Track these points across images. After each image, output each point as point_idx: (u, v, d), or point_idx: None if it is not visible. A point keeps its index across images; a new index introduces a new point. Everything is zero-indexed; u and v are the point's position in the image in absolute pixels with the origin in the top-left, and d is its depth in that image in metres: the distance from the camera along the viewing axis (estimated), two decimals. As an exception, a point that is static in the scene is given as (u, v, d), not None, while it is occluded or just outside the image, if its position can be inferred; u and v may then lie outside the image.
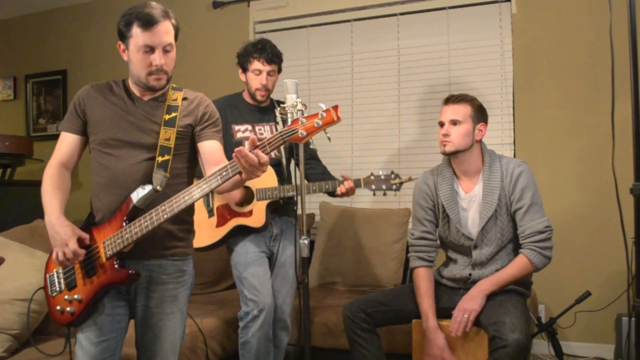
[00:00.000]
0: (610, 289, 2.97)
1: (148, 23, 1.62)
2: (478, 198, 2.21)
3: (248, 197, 2.42)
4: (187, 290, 1.82)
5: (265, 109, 2.56)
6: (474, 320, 2.06)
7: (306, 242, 1.96)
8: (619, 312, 2.92)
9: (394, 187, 2.39)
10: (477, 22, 3.40)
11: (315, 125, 1.49)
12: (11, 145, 3.77)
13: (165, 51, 1.67)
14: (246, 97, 2.57)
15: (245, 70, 2.51)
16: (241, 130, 2.50)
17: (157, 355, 1.75)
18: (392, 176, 2.40)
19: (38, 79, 4.65)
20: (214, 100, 2.44)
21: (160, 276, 1.74)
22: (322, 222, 3.42)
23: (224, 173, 1.53)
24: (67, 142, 1.77)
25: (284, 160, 2.54)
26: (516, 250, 2.19)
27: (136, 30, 1.63)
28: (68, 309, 1.69)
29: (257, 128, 2.52)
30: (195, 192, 1.56)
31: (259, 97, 2.50)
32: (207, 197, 2.44)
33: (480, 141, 2.25)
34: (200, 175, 1.86)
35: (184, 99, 1.79)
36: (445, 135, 2.19)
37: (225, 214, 2.42)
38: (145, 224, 1.59)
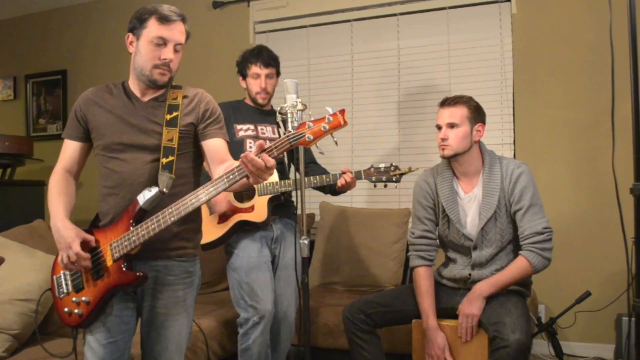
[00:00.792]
0: (610, 289, 2.97)
1: (166, 18, 1.67)
2: (478, 199, 2.21)
3: (249, 193, 2.42)
4: (194, 291, 1.82)
5: (267, 112, 2.58)
6: (477, 323, 2.07)
7: (306, 242, 1.95)
8: (619, 312, 2.92)
9: (394, 178, 2.40)
10: (477, 22, 3.40)
11: (322, 129, 1.48)
12: (11, 145, 3.76)
13: (175, 50, 1.70)
14: (248, 102, 2.60)
15: (244, 76, 2.55)
16: (243, 129, 2.50)
17: (162, 355, 1.74)
18: (392, 168, 2.41)
19: (38, 79, 4.65)
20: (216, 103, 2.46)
21: (167, 277, 1.74)
22: (322, 222, 3.42)
23: (231, 176, 1.53)
24: (70, 149, 1.79)
25: (285, 159, 2.54)
26: (516, 251, 2.19)
27: (153, 22, 1.67)
28: (76, 310, 1.69)
29: (259, 128, 2.53)
30: (202, 195, 1.56)
31: (260, 101, 2.53)
32: None
33: (479, 141, 2.24)
34: (205, 173, 1.86)
35: (184, 97, 1.79)
36: (444, 139, 2.19)
37: (226, 210, 2.42)
38: (152, 226, 1.59)
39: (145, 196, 1.63)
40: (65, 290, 1.73)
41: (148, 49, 1.67)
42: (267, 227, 2.45)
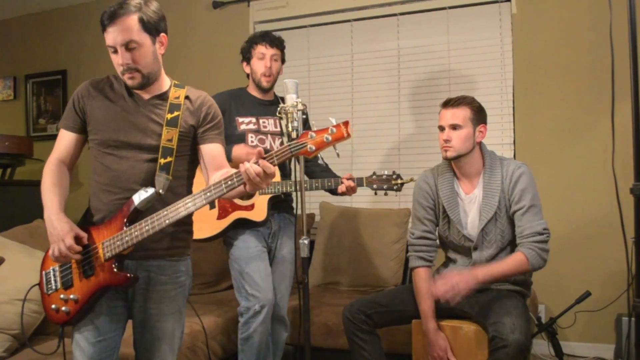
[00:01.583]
0: (610, 289, 2.97)
1: (105, 24, 1.61)
2: (478, 200, 2.20)
3: None
4: (186, 290, 1.82)
5: (269, 103, 2.57)
6: (463, 292, 2.00)
7: (306, 242, 1.95)
8: (619, 312, 2.92)
9: (395, 187, 2.40)
10: (477, 22, 3.40)
11: (325, 140, 1.47)
12: (11, 145, 3.77)
13: (129, 49, 1.60)
14: (250, 90, 2.58)
15: (249, 59, 2.53)
16: (245, 123, 2.50)
17: (155, 355, 1.74)
18: (394, 176, 2.41)
19: (38, 79, 4.65)
20: (217, 93, 2.45)
21: (159, 277, 1.73)
22: (322, 222, 3.42)
23: (230, 182, 1.52)
24: (66, 139, 1.75)
25: None
26: (516, 252, 2.19)
27: (105, 30, 1.62)
28: (63, 308, 1.67)
29: (261, 121, 2.52)
30: (199, 200, 1.55)
31: (264, 84, 2.50)
32: None
33: (480, 143, 2.24)
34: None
35: (187, 97, 1.76)
36: (447, 140, 2.17)
37: (226, 206, 2.42)
38: (147, 227, 1.58)
39: (140, 196, 1.60)
40: (53, 287, 1.69)
41: (111, 57, 1.65)
42: (266, 223, 2.45)
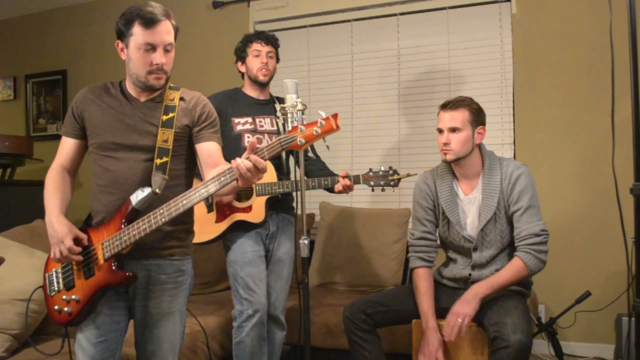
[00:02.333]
0: (610, 289, 2.97)
1: (150, 22, 1.63)
2: (478, 201, 2.20)
3: (247, 192, 2.42)
4: (186, 290, 1.82)
5: (265, 102, 2.57)
6: (469, 324, 2.04)
7: (306, 242, 1.95)
8: (619, 312, 2.92)
9: (392, 183, 2.40)
10: (477, 22, 3.40)
11: (314, 133, 1.48)
12: (11, 145, 3.76)
13: (166, 51, 1.67)
14: (246, 90, 2.58)
15: (244, 58, 2.54)
16: (241, 123, 2.49)
17: (156, 355, 1.75)
18: (391, 172, 2.41)
19: (38, 79, 4.65)
20: (213, 94, 2.46)
21: (159, 276, 1.74)
22: (322, 222, 3.42)
23: (222, 179, 1.54)
24: (67, 146, 1.80)
25: (283, 154, 2.53)
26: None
27: (137, 29, 1.63)
28: (66, 309, 1.69)
29: (257, 120, 2.52)
30: (193, 197, 1.56)
31: (261, 77, 2.50)
32: None
33: (479, 144, 2.24)
34: (198, 175, 1.86)
35: (181, 99, 1.79)
36: (446, 143, 2.17)
37: (224, 209, 2.42)
38: (144, 226, 1.59)
39: (138, 196, 1.63)
40: (56, 288, 1.73)
41: (138, 55, 1.65)
42: (265, 225, 2.45)
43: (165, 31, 1.65)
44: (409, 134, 3.55)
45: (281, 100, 2.47)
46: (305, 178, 2.43)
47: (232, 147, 2.35)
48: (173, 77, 1.80)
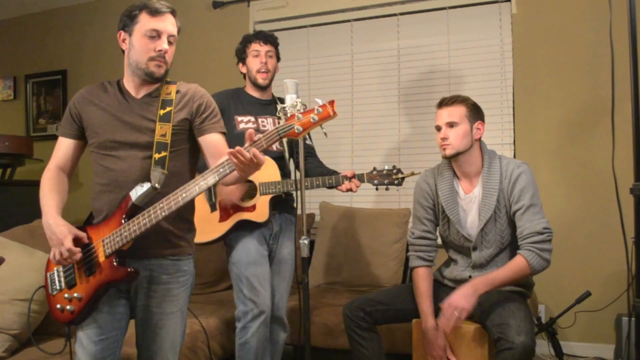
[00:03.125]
0: (610, 289, 2.97)
1: (157, 11, 1.68)
2: (478, 199, 2.20)
3: (251, 191, 2.42)
4: (188, 290, 1.82)
5: (267, 102, 2.56)
6: (464, 318, 2.01)
7: (306, 242, 1.95)
8: (619, 312, 2.92)
9: (396, 182, 2.40)
10: (477, 22, 3.40)
11: (312, 120, 1.49)
12: (11, 145, 3.77)
13: (169, 42, 1.71)
14: (248, 90, 2.58)
15: (244, 59, 2.54)
16: (244, 122, 2.49)
17: (157, 354, 1.75)
18: (395, 171, 2.40)
19: (38, 79, 4.65)
20: (215, 93, 2.46)
21: (161, 276, 1.74)
22: (322, 222, 3.42)
23: (221, 170, 1.54)
24: (63, 146, 1.79)
25: (286, 154, 2.53)
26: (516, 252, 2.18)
27: (144, 17, 1.68)
28: (68, 307, 1.69)
29: (259, 120, 2.52)
30: (192, 189, 1.56)
31: (260, 81, 2.50)
32: (210, 191, 2.44)
33: (479, 141, 2.24)
34: (203, 170, 1.86)
35: (178, 92, 1.78)
36: (444, 138, 2.17)
37: (228, 208, 2.41)
38: (144, 221, 1.59)
39: (137, 192, 1.63)
40: (58, 287, 1.73)
41: (142, 42, 1.68)
42: (268, 224, 2.45)
43: (170, 23, 1.71)
44: (409, 133, 3.55)
45: (283, 101, 2.47)
46: (308, 178, 2.43)
47: (235, 146, 2.35)
48: (173, 76, 1.80)
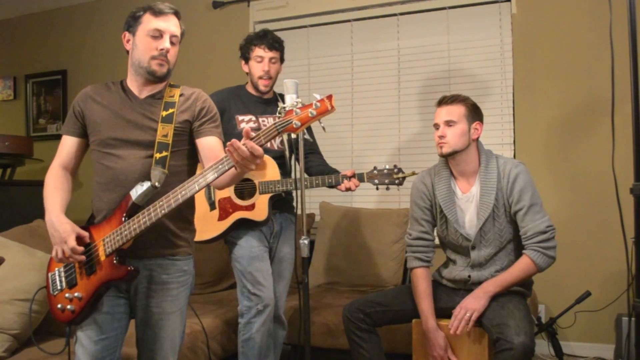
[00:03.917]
0: (610, 289, 2.97)
1: (161, 11, 1.71)
2: (476, 198, 2.20)
3: (250, 190, 2.42)
4: (188, 290, 1.83)
5: (268, 101, 2.56)
6: (476, 320, 2.05)
7: (306, 242, 1.95)
8: (619, 312, 2.92)
9: (396, 181, 2.39)
10: (477, 22, 3.41)
11: (310, 115, 1.49)
12: (11, 145, 3.76)
13: (172, 42, 1.72)
14: (249, 88, 2.57)
15: (247, 59, 2.52)
16: (245, 121, 2.49)
17: (157, 354, 1.75)
18: (395, 170, 2.40)
19: (38, 79, 4.65)
20: (216, 91, 2.45)
21: (161, 276, 1.75)
22: (322, 222, 3.42)
23: (220, 166, 1.54)
24: (67, 144, 1.80)
25: (287, 153, 2.52)
26: (516, 251, 2.18)
27: (148, 17, 1.71)
28: (69, 306, 1.69)
29: (260, 119, 2.51)
30: (192, 187, 1.56)
31: (261, 87, 2.49)
32: (209, 190, 2.44)
33: (477, 141, 2.24)
34: None
35: (181, 95, 1.80)
36: (441, 137, 2.18)
37: (227, 207, 2.42)
38: (144, 219, 1.60)
39: (137, 191, 1.63)
40: (59, 287, 1.73)
41: (145, 41, 1.70)
42: (268, 223, 2.45)
43: (174, 23, 1.73)
44: (409, 133, 3.55)
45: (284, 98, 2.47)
46: (308, 177, 2.43)
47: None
48: (173, 77, 1.81)
